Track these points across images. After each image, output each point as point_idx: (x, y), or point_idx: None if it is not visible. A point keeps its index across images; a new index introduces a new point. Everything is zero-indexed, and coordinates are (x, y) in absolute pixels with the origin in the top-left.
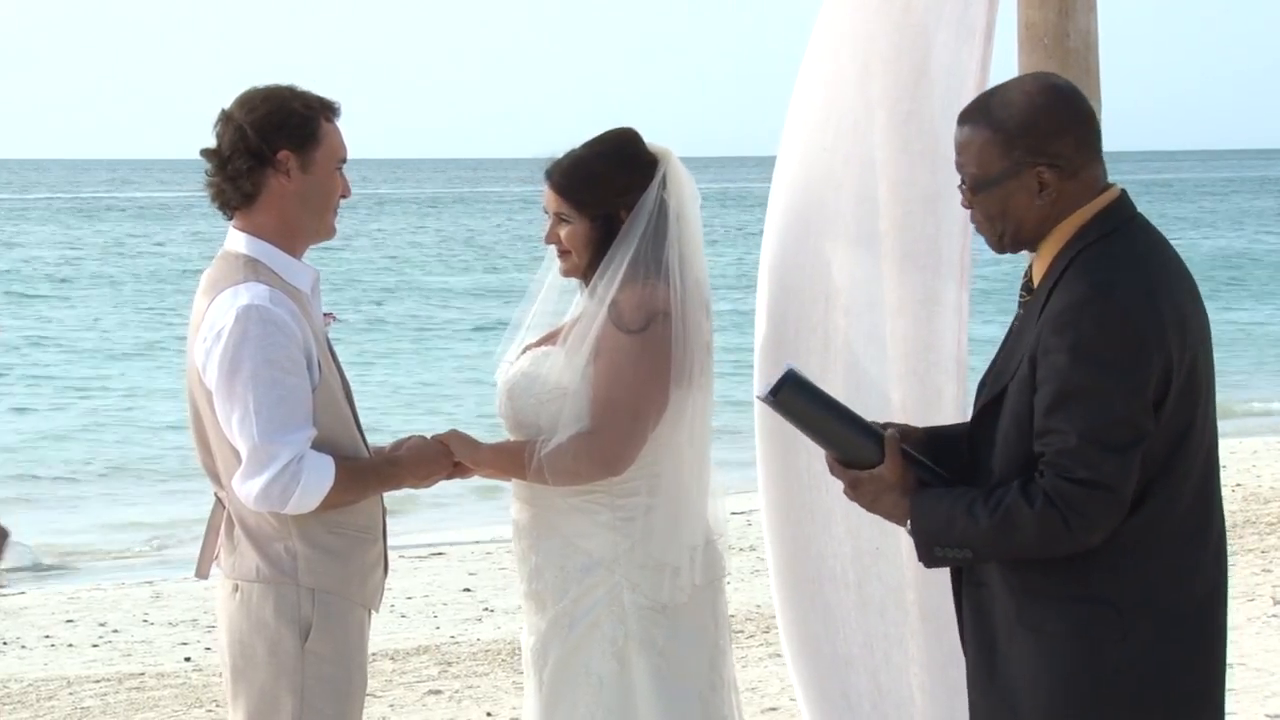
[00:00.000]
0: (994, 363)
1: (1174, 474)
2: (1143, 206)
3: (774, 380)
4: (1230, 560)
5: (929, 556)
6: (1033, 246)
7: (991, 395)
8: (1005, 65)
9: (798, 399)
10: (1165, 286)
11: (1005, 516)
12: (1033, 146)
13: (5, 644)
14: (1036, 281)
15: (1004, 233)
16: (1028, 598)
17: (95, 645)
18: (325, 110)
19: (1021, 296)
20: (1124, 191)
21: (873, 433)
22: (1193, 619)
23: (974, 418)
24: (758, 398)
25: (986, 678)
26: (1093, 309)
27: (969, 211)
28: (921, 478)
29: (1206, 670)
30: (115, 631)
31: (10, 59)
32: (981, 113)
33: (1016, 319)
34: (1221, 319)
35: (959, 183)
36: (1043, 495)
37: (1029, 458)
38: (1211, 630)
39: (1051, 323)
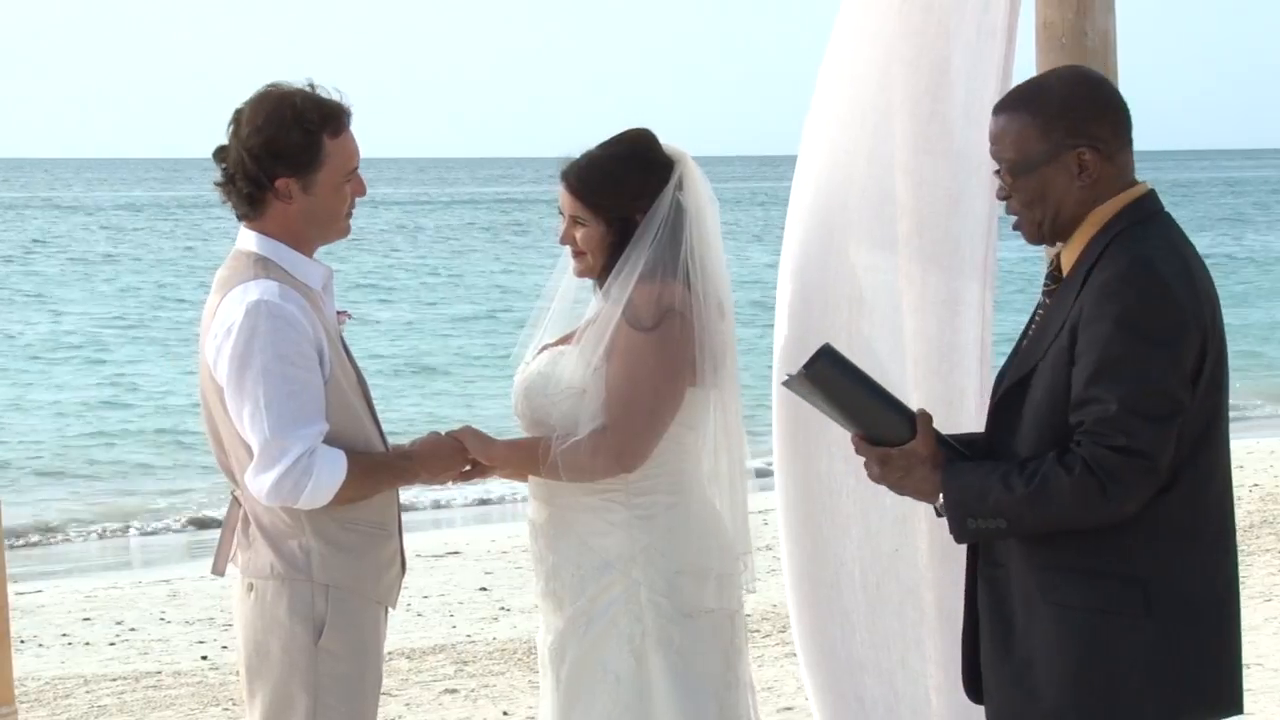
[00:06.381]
0: (1015, 352)
1: (1202, 460)
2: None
3: (804, 360)
4: (1247, 560)
5: (961, 529)
6: (1067, 235)
7: (1015, 379)
8: (1023, 65)
9: (833, 372)
10: (1199, 273)
11: (1042, 485)
12: (1072, 128)
13: (22, 642)
14: (1066, 269)
15: (1043, 219)
16: (1052, 572)
17: (112, 644)
18: (331, 125)
19: (1046, 286)
20: (1153, 189)
21: (904, 410)
22: (1213, 607)
23: (995, 405)
24: (787, 374)
25: (1002, 651)
26: (1137, 281)
27: (993, 211)
28: (949, 456)
29: (1221, 659)
30: (132, 630)
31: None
32: (1018, 101)
33: (1040, 308)
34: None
35: (995, 171)
36: (1081, 462)
37: (1061, 432)
38: (1229, 623)
39: (1095, 294)
